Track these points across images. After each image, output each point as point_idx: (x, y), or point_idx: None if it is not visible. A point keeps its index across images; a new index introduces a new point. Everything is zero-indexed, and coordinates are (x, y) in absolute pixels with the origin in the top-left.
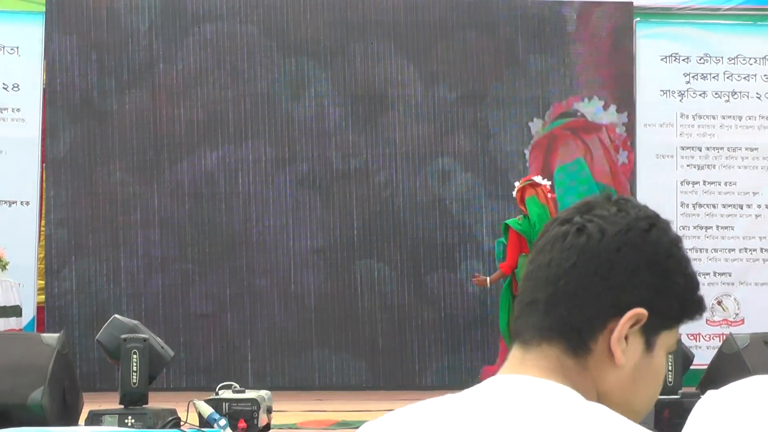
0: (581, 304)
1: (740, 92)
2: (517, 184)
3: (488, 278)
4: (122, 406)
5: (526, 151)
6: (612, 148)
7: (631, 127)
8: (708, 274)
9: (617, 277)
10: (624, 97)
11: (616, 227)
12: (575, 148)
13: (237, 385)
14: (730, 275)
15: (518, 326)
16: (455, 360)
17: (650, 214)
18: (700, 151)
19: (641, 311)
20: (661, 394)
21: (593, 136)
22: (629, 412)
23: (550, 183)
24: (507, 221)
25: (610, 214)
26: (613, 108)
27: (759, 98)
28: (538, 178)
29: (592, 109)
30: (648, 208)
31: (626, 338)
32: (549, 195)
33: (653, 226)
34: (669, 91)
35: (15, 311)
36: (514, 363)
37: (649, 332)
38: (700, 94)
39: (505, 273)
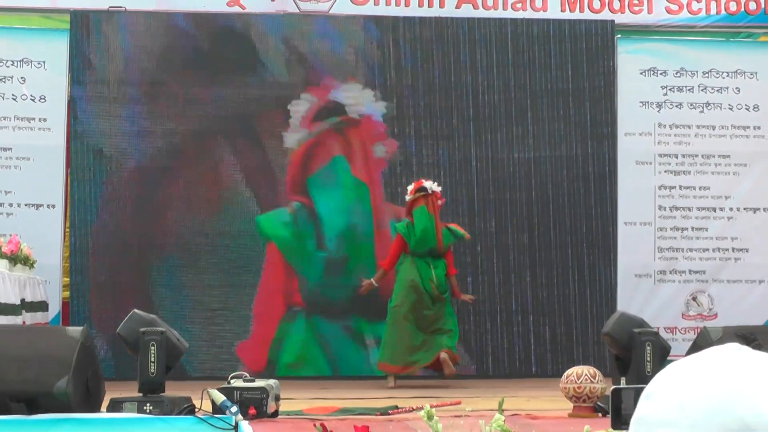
0: None
1: (713, 103)
2: (409, 188)
3: (372, 279)
4: (141, 394)
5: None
6: (368, 140)
7: (393, 117)
8: (684, 272)
9: None
10: (389, 85)
11: None
12: (334, 146)
13: (247, 375)
14: (704, 273)
15: None
16: None
17: None
18: (677, 158)
19: None
20: (639, 383)
21: (353, 131)
22: None
23: (440, 188)
24: (396, 224)
25: None
26: (370, 94)
27: (731, 109)
28: (428, 184)
29: (355, 97)
30: None
31: None
32: (438, 202)
33: None
34: (648, 102)
35: (42, 306)
36: None
37: None
38: (676, 105)
39: (386, 270)
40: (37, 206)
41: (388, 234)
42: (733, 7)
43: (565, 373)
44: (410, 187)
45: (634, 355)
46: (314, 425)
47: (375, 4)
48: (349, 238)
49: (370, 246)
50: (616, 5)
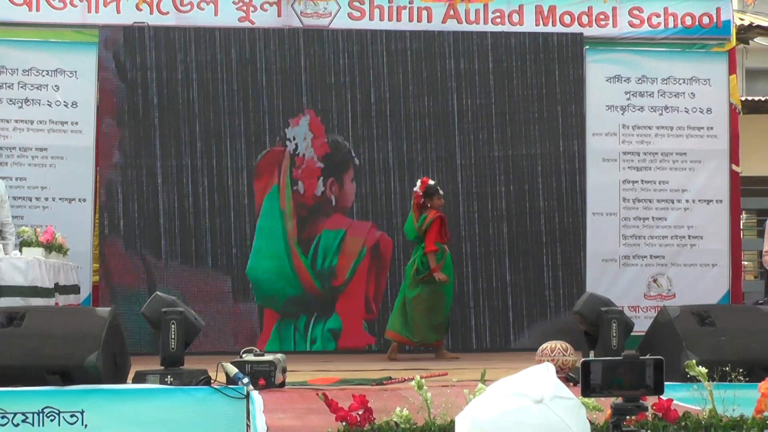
0: None
1: (671, 107)
2: (418, 183)
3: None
4: (163, 367)
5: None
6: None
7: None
8: (645, 257)
9: None
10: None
11: None
12: None
13: (257, 350)
14: (663, 258)
15: None
16: None
17: None
18: (639, 155)
19: None
20: (606, 356)
21: None
22: None
23: (416, 189)
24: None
25: None
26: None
27: (687, 112)
28: (431, 182)
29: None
30: None
31: None
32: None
33: None
34: (613, 106)
35: (74, 289)
36: None
37: None
38: (638, 109)
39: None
40: (70, 200)
41: None
42: (688, 21)
43: (540, 347)
44: (419, 183)
45: (602, 331)
46: (317, 394)
47: (370, 19)
48: None
49: None
50: (585, 19)
